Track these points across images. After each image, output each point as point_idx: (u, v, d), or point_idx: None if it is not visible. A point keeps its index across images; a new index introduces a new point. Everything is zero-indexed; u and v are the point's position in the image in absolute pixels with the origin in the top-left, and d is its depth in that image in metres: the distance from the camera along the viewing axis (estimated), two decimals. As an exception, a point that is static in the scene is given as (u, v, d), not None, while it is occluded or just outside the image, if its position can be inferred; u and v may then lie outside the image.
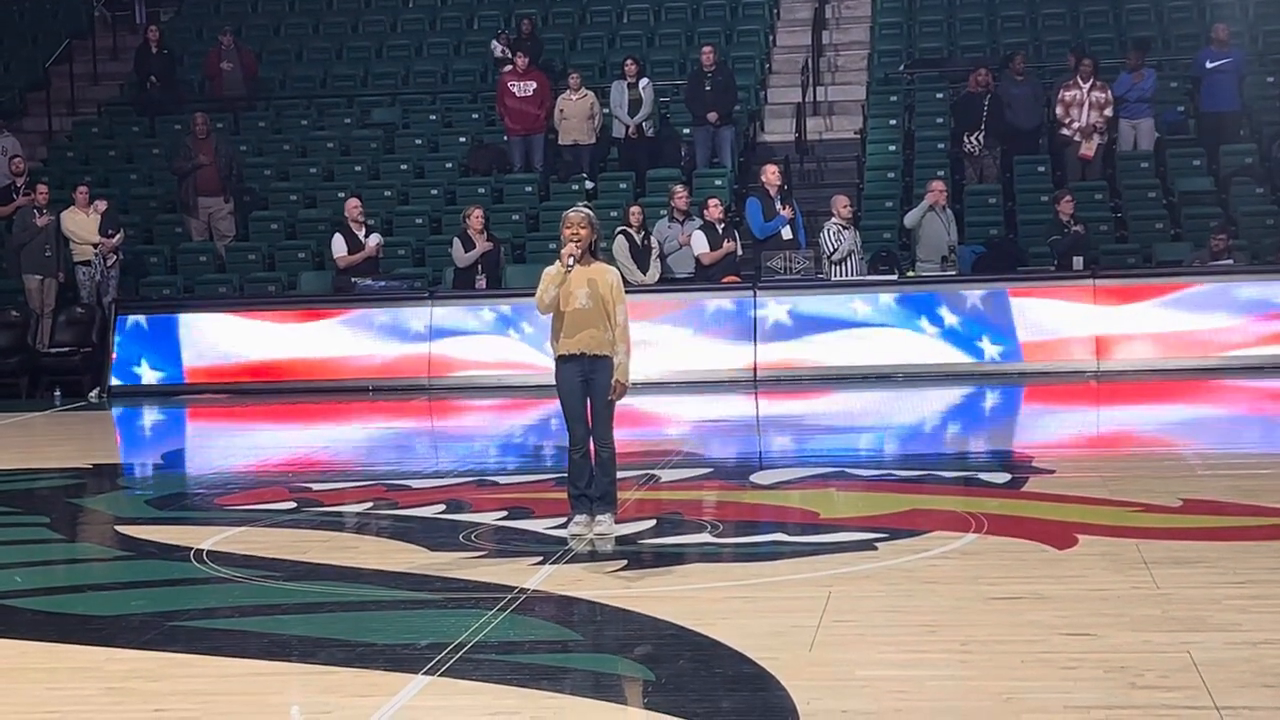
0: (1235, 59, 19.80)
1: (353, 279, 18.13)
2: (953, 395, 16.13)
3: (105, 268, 18.89)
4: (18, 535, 10.24)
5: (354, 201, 18.55)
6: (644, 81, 20.22)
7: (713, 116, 20.05)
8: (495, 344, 17.61)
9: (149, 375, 18.07)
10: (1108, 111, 19.47)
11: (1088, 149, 19.43)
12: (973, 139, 19.65)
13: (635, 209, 18.02)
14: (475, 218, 18.10)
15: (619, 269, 10.55)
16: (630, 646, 6.97)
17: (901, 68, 22.30)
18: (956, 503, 10.06)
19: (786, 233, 17.80)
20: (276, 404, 17.21)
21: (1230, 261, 17.37)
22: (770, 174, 18.01)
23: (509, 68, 20.93)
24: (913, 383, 16.75)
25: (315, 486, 11.54)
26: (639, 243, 17.79)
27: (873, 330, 17.11)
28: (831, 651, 6.72)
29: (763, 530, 9.65)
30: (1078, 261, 17.46)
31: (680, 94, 21.09)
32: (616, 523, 9.24)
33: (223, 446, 15.29)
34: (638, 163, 20.38)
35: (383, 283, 18.24)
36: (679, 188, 18.45)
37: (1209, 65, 19.72)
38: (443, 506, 10.49)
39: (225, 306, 18.48)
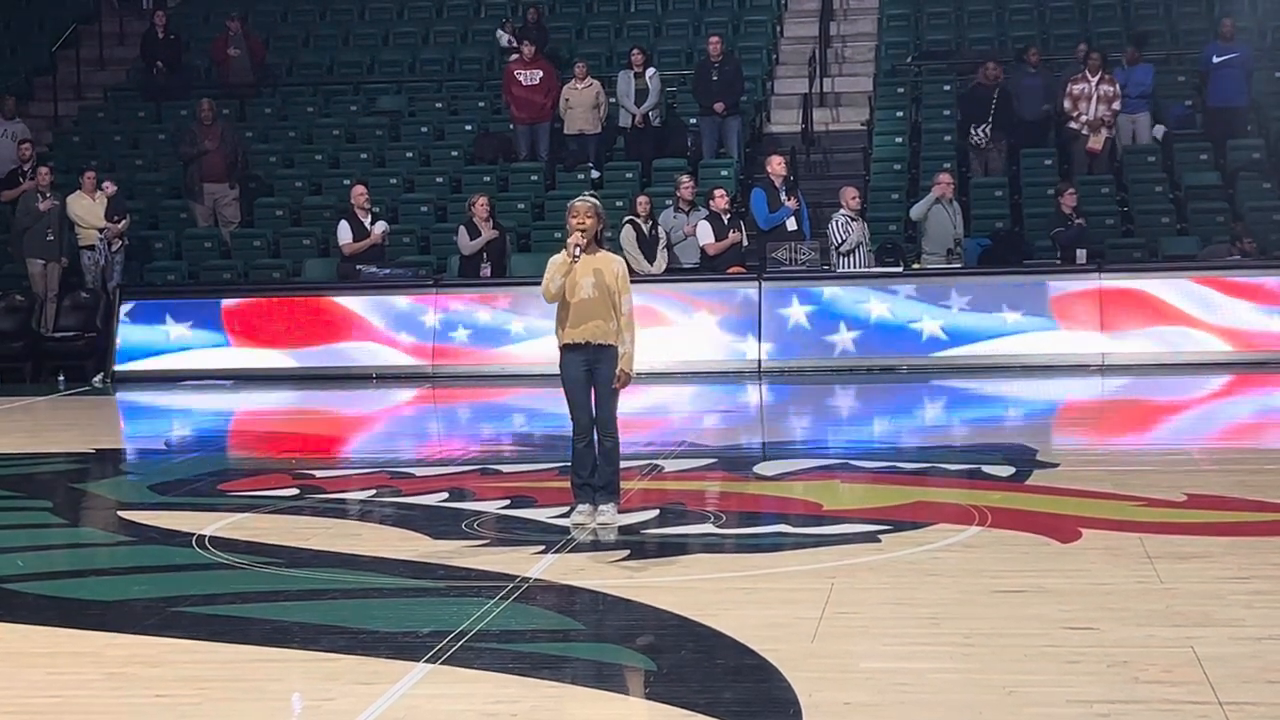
0: (1242, 53, 19.77)
1: (358, 266, 18.12)
2: (957, 388, 16.11)
3: (110, 253, 18.89)
4: (20, 519, 10.24)
5: (360, 188, 18.53)
6: (650, 71, 20.21)
7: (719, 107, 20.03)
8: (500, 332, 17.59)
9: (153, 361, 18.06)
10: (1116, 105, 19.44)
11: (1095, 142, 19.41)
12: (980, 131, 19.63)
13: (643, 199, 18.00)
14: (480, 205, 18.09)
15: (625, 258, 10.55)
16: (632, 636, 6.96)
17: (909, 60, 22.28)
18: (960, 495, 10.04)
19: (792, 224, 17.77)
20: (280, 390, 17.21)
21: (1238, 256, 17.34)
22: (776, 165, 17.99)
23: (515, 56, 20.93)
24: (917, 375, 16.74)
25: (318, 473, 11.54)
26: (646, 232, 17.77)
27: (877, 322, 17.07)
28: (834, 643, 6.71)
29: (766, 521, 9.65)
30: (1080, 254, 17.45)
31: (687, 84, 21.07)
32: (619, 512, 9.23)
33: (225, 432, 15.29)
34: (643, 152, 20.36)
35: (388, 270, 18.22)
36: (684, 178, 18.44)
37: (1216, 60, 19.69)
38: (445, 494, 10.48)
39: (230, 293, 18.47)
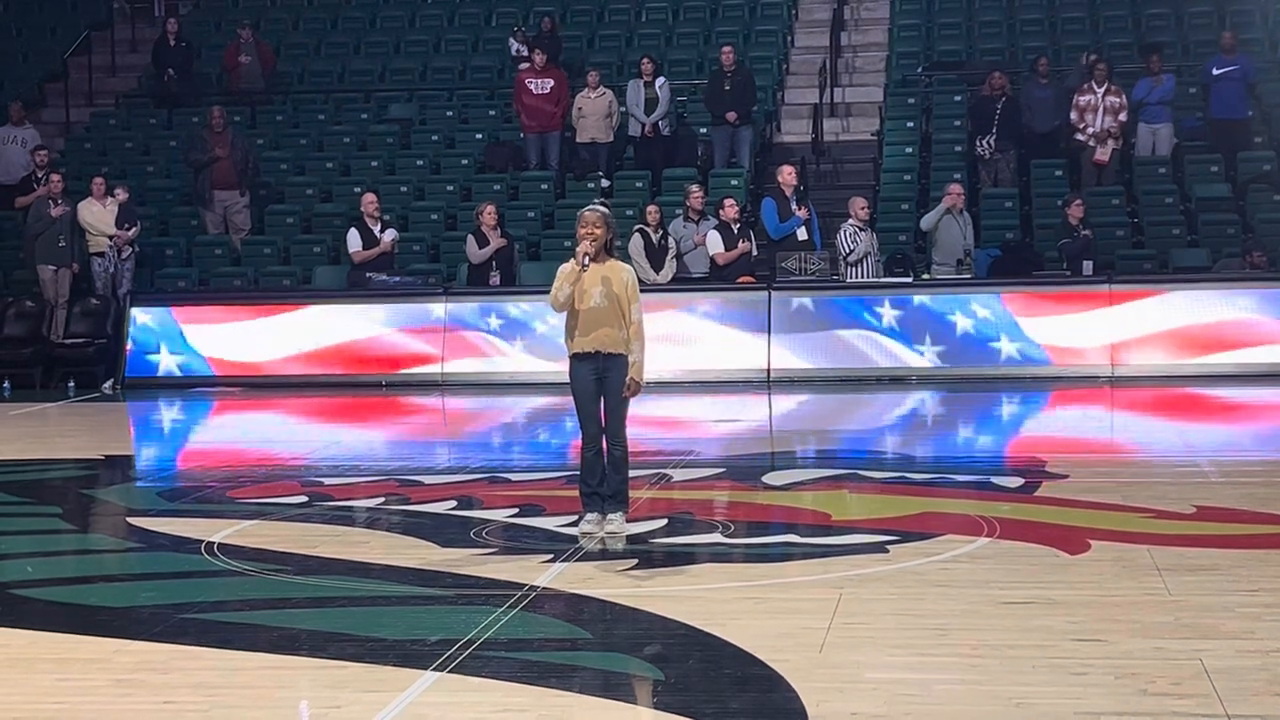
0: (1242, 65, 19.71)
1: (368, 274, 18.14)
2: (966, 399, 16.10)
3: (120, 259, 18.92)
4: (30, 525, 10.26)
5: (370, 196, 18.55)
6: (660, 80, 20.21)
7: (732, 116, 20.04)
8: (509, 341, 17.60)
9: (163, 367, 18.08)
10: (1122, 116, 19.41)
11: (1102, 154, 19.39)
12: (985, 142, 19.62)
13: (653, 208, 18.01)
14: (488, 214, 18.10)
15: (633, 267, 10.54)
16: (640, 646, 6.96)
17: (919, 70, 22.28)
18: (969, 506, 10.04)
19: (802, 233, 17.77)
20: (289, 397, 17.22)
21: (1247, 268, 17.33)
22: (786, 175, 17.99)
23: (526, 65, 20.96)
24: (926, 385, 16.73)
25: (327, 481, 11.55)
26: (655, 241, 17.79)
27: (886, 332, 17.06)
28: (841, 653, 6.71)
29: (774, 531, 9.65)
30: (1087, 266, 17.44)
31: (697, 93, 21.08)
32: (628, 521, 9.23)
33: (235, 439, 15.30)
34: (654, 162, 20.36)
35: (398, 278, 18.25)
36: (694, 187, 18.44)
37: (1215, 72, 19.67)
38: (454, 503, 10.49)
39: (240, 300, 18.49)
